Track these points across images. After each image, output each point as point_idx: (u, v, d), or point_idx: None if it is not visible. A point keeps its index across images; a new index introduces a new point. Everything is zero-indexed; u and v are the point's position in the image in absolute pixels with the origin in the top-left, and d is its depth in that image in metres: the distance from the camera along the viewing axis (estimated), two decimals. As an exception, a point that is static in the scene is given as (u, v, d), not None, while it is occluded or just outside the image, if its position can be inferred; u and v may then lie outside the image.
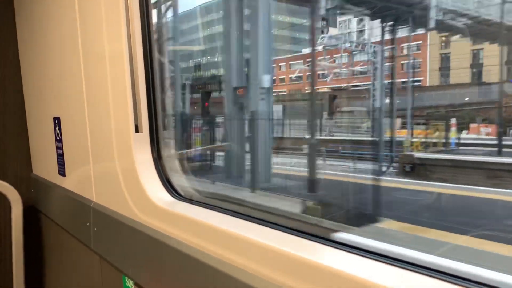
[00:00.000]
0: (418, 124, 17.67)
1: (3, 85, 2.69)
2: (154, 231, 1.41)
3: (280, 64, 35.29)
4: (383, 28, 15.08)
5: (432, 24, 13.85)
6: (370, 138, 16.60)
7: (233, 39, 10.11)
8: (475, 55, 25.01)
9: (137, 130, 1.54)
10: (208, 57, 25.21)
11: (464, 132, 19.24)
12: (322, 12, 13.15)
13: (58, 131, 2.19)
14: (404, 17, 14.13)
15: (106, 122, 1.66)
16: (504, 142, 13.80)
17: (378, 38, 16.87)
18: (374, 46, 17.80)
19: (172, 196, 1.52)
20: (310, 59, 16.27)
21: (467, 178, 10.22)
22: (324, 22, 18.38)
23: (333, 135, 18.72)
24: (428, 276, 0.81)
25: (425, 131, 16.87)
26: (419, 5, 13.83)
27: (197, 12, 23.17)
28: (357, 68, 24.37)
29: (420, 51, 25.36)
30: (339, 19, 24.95)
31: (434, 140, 15.82)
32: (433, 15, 13.69)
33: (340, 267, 0.86)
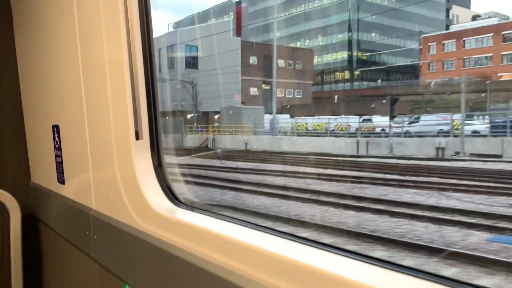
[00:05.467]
0: None
1: (1, 93, 2.68)
2: (155, 238, 1.40)
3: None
4: None
5: None
6: None
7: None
8: None
9: (137, 137, 1.53)
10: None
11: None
12: None
13: (57, 139, 2.18)
14: None
15: (106, 129, 1.65)
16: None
17: None
18: None
19: (173, 203, 1.51)
20: None
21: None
22: None
23: None
24: (416, 278, 0.83)
25: None
26: None
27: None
28: None
29: None
30: None
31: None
32: None
33: (350, 275, 0.86)
